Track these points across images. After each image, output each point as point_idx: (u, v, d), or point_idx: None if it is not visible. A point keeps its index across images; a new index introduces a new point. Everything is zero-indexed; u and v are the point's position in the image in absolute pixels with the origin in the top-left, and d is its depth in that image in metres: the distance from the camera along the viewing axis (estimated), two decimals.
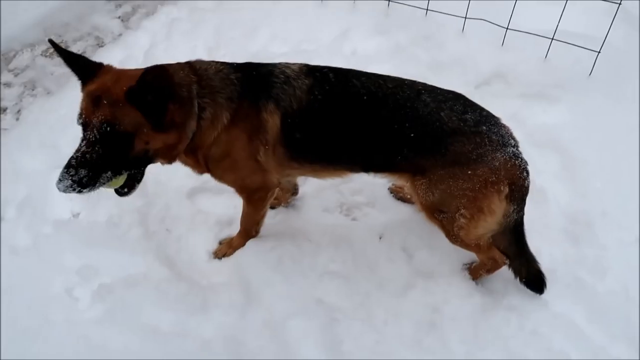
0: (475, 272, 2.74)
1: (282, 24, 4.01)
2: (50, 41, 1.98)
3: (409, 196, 3.01)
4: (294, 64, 2.39)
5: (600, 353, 2.47)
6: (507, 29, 3.53)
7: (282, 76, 2.28)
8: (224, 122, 2.15)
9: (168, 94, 1.90)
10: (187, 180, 3.17)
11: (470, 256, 2.82)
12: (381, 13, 3.95)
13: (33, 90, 4.17)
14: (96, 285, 2.65)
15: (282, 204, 3.07)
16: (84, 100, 1.91)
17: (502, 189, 2.21)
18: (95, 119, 1.83)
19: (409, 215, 2.99)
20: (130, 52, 4.02)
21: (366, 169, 2.45)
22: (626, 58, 3.55)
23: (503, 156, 2.20)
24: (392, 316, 2.58)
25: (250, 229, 2.77)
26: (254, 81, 2.24)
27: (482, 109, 2.30)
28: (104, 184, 1.92)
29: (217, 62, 2.28)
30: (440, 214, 2.38)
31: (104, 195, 2.98)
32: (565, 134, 3.25)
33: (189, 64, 2.22)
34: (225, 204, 3.06)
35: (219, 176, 2.41)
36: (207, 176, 3.15)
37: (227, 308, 2.58)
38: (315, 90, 2.26)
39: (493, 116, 2.30)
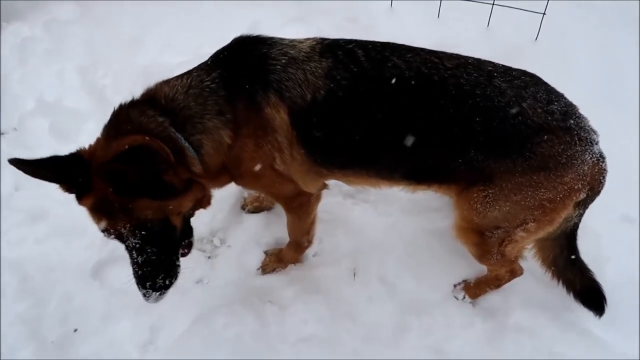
0: (479, 289, 2.40)
1: (172, 30, 3.27)
2: (12, 161, 1.59)
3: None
4: (303, 40, 1.90)
5: None
6: None
7: (283, 58, 1.81)
8: (227, 141, 1.79)
9: (153, 171, 1.57)
10: (88, 252, 2.42)
11: (461, 274, 2.45)
12: None
13: None
14: None
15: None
16: (94, 217, 1.65)
17: (581, 196, 1.86)
18: (124, 230, 1.63)
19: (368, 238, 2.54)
20: None
21: (409, 178, 1.98)
22: (570, 18, 3.26)
23: (591, 158, 1.83)
24: None
25: (299, 239, 2.34)
26: (243, 70, 1.78)
27: (562, 96, 1.87)
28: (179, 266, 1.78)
29: (180, 77, 1.80)
30: (494, 231, 1.92)
31: None
32: None
33: (148, 99, 1.74)
34: None
35: (247, 186, 2.11)
36: (112, 244, 2.43)
37: None
38: (336, 75, 1.80)
39: (573, 105, 1.88)
